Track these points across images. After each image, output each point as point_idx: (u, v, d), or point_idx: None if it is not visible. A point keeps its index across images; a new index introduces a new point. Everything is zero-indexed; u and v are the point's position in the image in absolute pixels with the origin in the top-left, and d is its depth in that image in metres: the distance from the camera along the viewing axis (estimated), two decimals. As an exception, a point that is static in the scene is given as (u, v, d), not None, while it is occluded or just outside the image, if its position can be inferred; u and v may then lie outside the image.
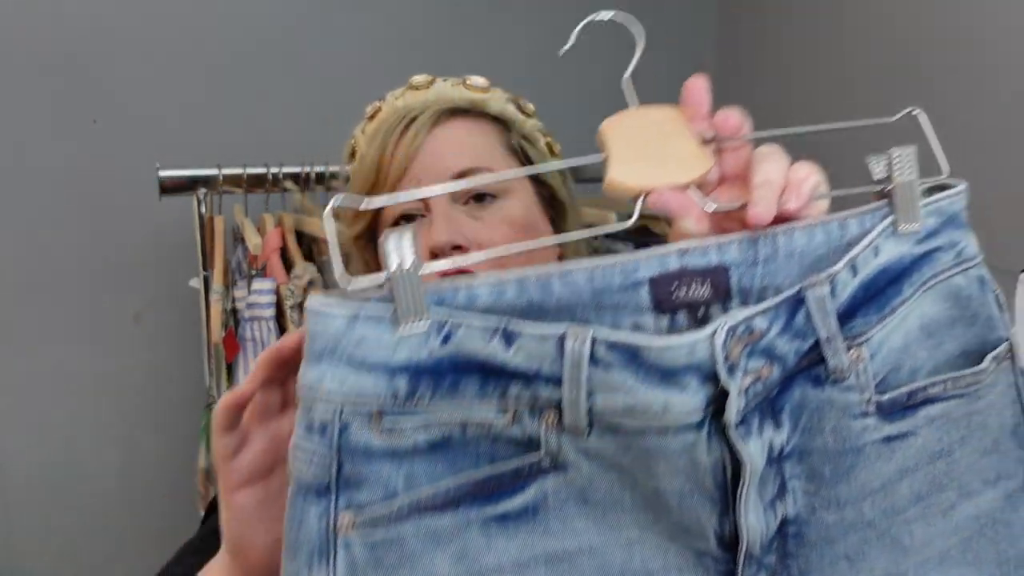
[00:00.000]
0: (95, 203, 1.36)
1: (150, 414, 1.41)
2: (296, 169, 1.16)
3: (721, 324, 0.42)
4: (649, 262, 0.44)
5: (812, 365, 0.46)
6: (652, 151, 0.47)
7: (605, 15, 0.53)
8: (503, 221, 0.75)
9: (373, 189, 0.77)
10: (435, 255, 0.70)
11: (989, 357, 0.50)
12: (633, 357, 0.42)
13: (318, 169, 1.16)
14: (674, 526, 0.46)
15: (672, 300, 0.45)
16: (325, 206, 0.43)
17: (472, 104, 0.80)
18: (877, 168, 0.49)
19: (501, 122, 0.81)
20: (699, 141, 0.48)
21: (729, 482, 0.45)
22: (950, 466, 0.49)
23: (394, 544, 0.44)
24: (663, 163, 0.47)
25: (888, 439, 0.48)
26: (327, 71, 1.43)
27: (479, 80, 0.81)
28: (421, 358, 0.43)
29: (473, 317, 0.43)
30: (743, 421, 0.44)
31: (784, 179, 0.47)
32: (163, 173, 1.12)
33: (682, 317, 0.45)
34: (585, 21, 0.52)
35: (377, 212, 0.77)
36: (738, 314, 0.43)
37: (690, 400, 0.43)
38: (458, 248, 0.71)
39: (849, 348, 0.46)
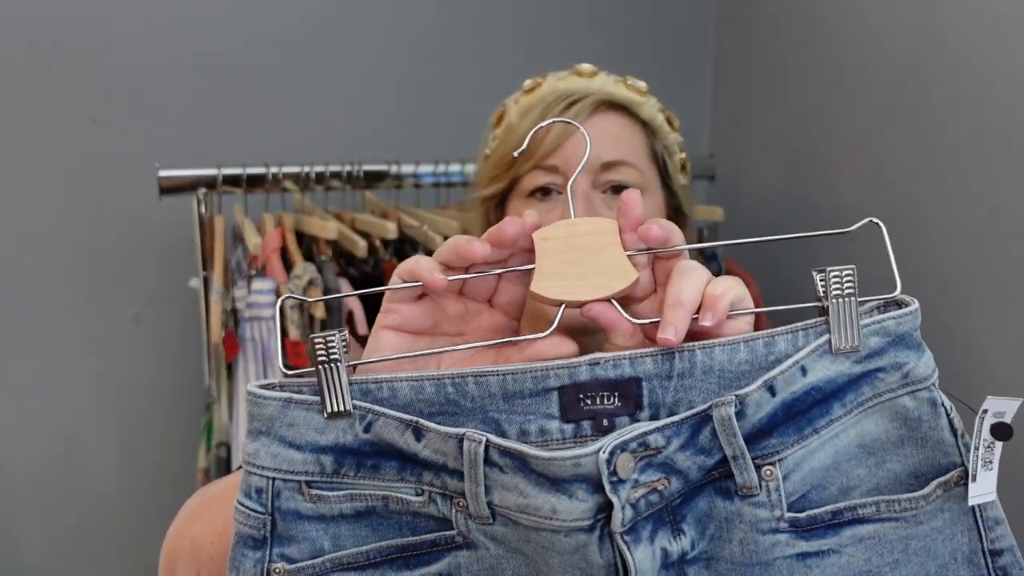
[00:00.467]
0: (95, 203, 1.36)
1: (150, 414, 1.41)
2: (296, 169, 1.16)
3: (608, 442, 0.44)
4: (560, 372, 0.47)
5: (722, 478, 0.48)
6: (579, 263, 0.49)
7: (552, 121, 0.57)
8: None
9: (519, 159, 0.80)
10: None
11: (935, 483, 0.49)
12: (523, 463, 0.46)
13: (318, 169, 1.16)
14: None
15: (579, 409, 0.47)
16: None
17: (629, 103, 0.83)
18: (818, 284, 0.48)
19: (649, 128, 0.84)
20: (629, 253, 0.49)
21: None
22: None
23: None
24: (587, 276, 0.48)
25: (803, 556, 0.48)
26: (327, 71, 1.43)
27: (640, 83, 0.85)
28: (347, 440, 0.48)
29: (391, 411, 0.48)
30: (632, 529, 0.46)
31: (698, 296, 0.47)
32: (163, 173, 1.12)
33: (587, 426, 0.47)
34: (536, 128, 0.56)
35: (514, 180, 0.82)
36: (631, 431, 0.45)
37: (578, 507, 0.45)
38: None
39: (760, 467, 0.47)
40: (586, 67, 0.85)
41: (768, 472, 0.47)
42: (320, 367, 0.48)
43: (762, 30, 1.40)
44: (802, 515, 0.48)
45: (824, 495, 0.49)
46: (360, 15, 1.44)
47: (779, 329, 0.47)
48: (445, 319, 0.52)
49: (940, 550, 0.50)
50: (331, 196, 1.21)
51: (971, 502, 0.49)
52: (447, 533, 0.49)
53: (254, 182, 1.15)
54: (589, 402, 0.47)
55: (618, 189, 0.78)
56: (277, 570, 0.49)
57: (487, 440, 0.46)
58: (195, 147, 1.22)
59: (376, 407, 0.48)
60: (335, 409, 0.48)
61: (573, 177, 0.54)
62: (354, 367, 0.49)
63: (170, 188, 1.12)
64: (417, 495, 0.49)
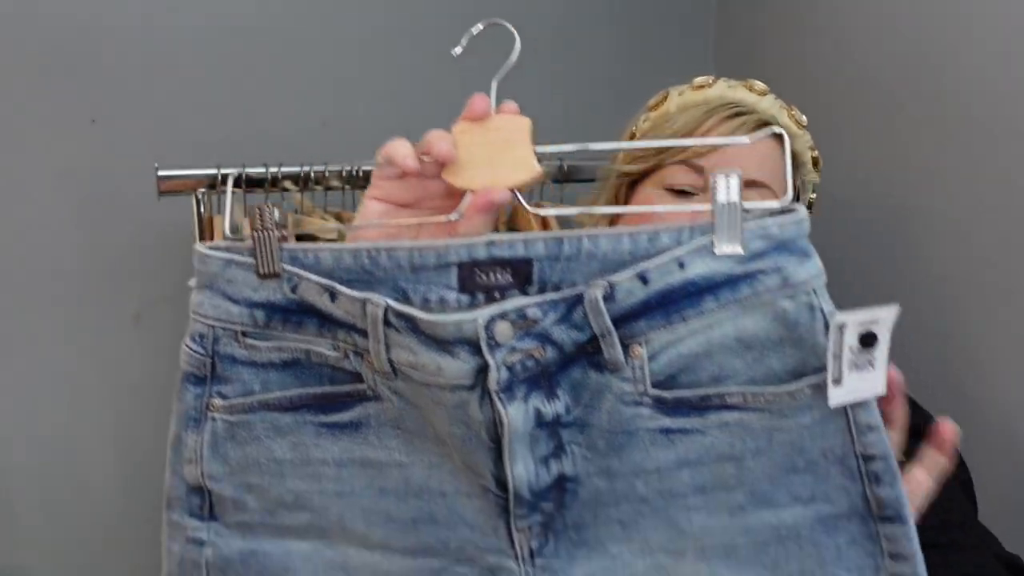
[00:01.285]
0: (95, 203, 1.36)
1: (150, 414, 1.40)
2: (296, 169, 1.16)
3: (487, 311, 0.51)
4: (460, 250, 0.53)
5: (595, 353, 0.53)
6: (490, 156, 0.56)
7: (482, 24, 0.62)
8: None
9: (670, 148, 0.81)
10: None
11: (804, 381, 0.52)
12: (415, 325, 0.52)
13: (318, 169, 1.16)
14: (463, 462, 0.55)
15: (475, 282, 0.53)
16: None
17: (788, 132, 0.82)
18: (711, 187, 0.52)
19: (796, 161, 0.86)
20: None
21: (501, 436, 0.53)
22: (741, 471, 0.53)
23: (246, 427, 0.58)
24: (495, 168, 0.56)
25: (667, 431, 0.53)
26: (327, 71, 1.43)
27: (802, 116, 0.85)
28: (276, 298, 0.56)
29: (312, 275, 0.55)
30: (508, 388, 0.52)
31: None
32: (162, 173, 1.12)
33: (481, 297, 0.53)
34: (468, 34, 0.62)
35: (654, 167, 0.83)
36: (511, 303, 0.51)
37: (460, 366, 0.52)
38: None
39: (628, 346, 0.52)
40: (759, 85, 0.86)
41: (635, 351, 0.53)
42: (255, 234, 0.55)
43: (762, 30, 1.40)
44: (669, 395, 0.53)
45: (694, 379, 0.53)
46: (361, 15, 1.44)
47: (665, 225, 0.52)
48: (427, 196, 0.60)
49: (809, 447, 0.53)
50: (331, 196, 1.21)
51: (832, 404, 0.51)
52: (359, 386, 0.56)
53: (254, 182, 1.15)
54: (484, 277, 0.53)
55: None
56: (214, 404, 0.58)
57: (386, 304, 0.53)
58: (195, 147, 1.22)
59: (301, 271, 0.55)
60: (266, 271, 0.56)
61: (496, 77, 0.60)
62: (286, 237, 0.56)
63: (170, 188, 1.12)
64: (334, 350, 0.56)
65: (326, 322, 0.56)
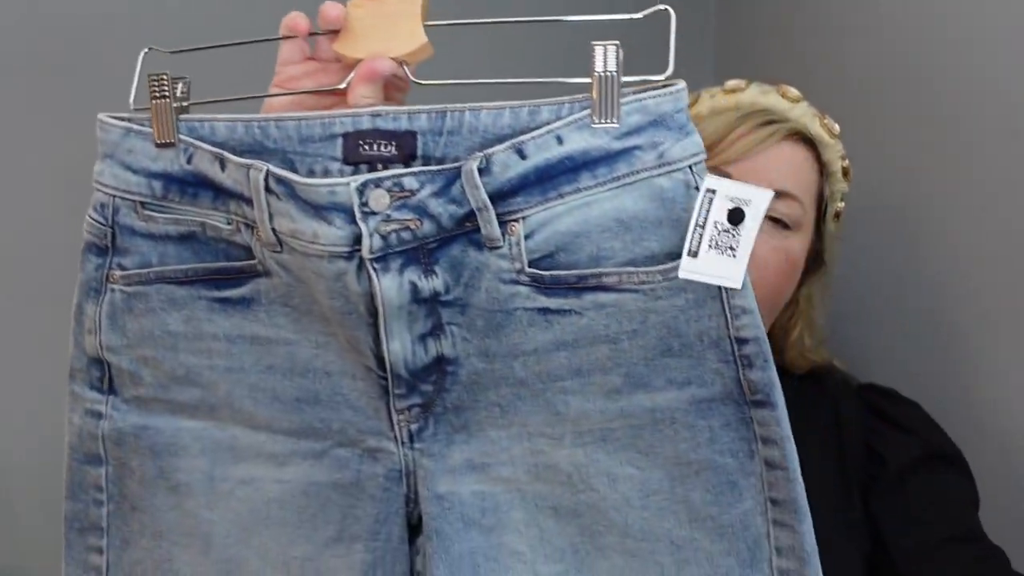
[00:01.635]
0: (95, 203, 1.36)
1: (150, 414, 1.41)
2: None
3: (361, 177, 0.51)
4: (344, 121, 0.53)
5: (474, 230, 0.52)
6: (379, 30, 0.57)
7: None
8: (784, 251, 0.80)
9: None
10: None
11: (675, 262, 0.51)
12: (293, 190, 0.52)
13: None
14: (347, 340, 0.55)
15: (359, 153, 0.53)
16: None
17: (819, 141, 0.84)
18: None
19: (826, 171, 0.85)
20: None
21: (377, 309, 0.53)
22: (617, 353, 0.53)
23: (142, 298, 0.59)
24: (384, 40, 0.56)
25: (544, 311, 0.53)
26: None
27: (835, 125, 0.85)
28: (173, 169, 0.56)
29: (203, 144, 0.55)
30: (383, 259, 0.52)
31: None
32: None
33: (364, 168, 0.53)
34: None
35: None
36: (388, 172, 0.51)
37: (335, 232, 0.52)
38: None
39: (505, 222, 0.52)
40: (792, 91, 0.85)
41: (512, 228, 0.52)
42: (153, 102, 0.56)
43: (762, 30, 1.40)
44: (546, 274, 0.52)
45: (572, 259, 0.52)
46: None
47: (545, 100, 0.52)
48: (329, 81, 0.60)
49: (685, 329, 0.53)
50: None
51: (682, 275, 0.50)
52: (251, 261, 0.57)
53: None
54: (368, 148, 0.53)
55: (778, 220, 0.79)
56: (113, 275, 0.60)
57: (266, 169, 0.53)
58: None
59: (195, 141, 0.56)
60: (162, 140, 0.56)
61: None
62: (185, 108, 0.57)
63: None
64: (227, 224, 0.57)
65: (219, 193, 0.57)
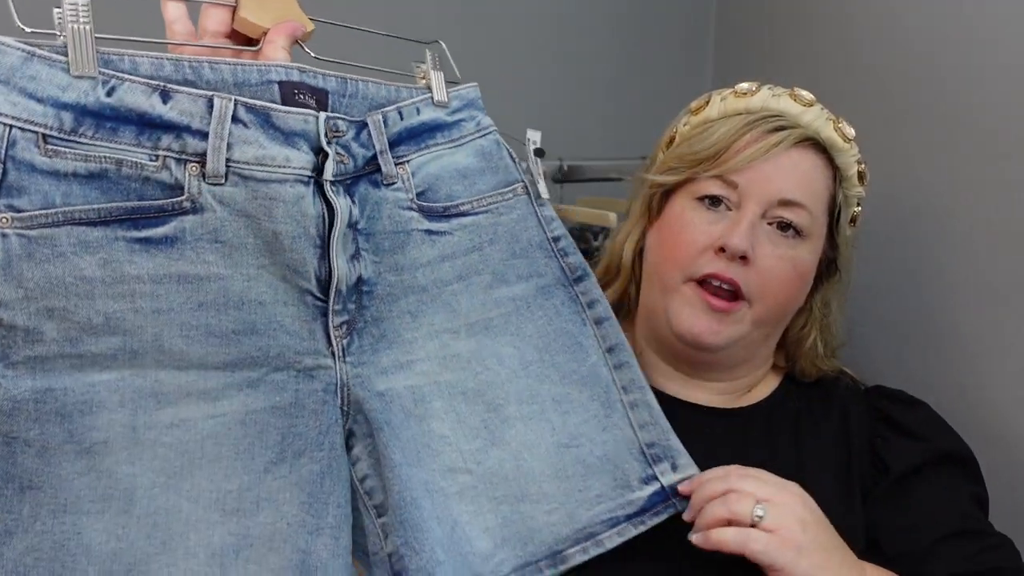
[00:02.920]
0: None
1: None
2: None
3: (326, 114, 0.62)
4: (279, 70, 0.61)
5: (373, 172, 0.66)
6: (273, 9, 0.64)
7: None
8: (790, 260, 0.79)
9: (709, 159, 0.80)
10: (722, 249, 0.76)
11: (507, 188, 0.73)
12: (266, 119, 0.59)
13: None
14: (285, 267, 0.60)
15: (294, 99, 0.61)
16: None
17: (832, 146, 0.82)
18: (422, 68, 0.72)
19: (839, 175, 0.83)
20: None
21: (326, 232, 0.62)
22: (484, 258, 0.70)
23: (48, 243, 0.53)
24: (283, 14, 0.65)
25: (430, 232, 0.68)
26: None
27: (850, 130, 0.83)
28: (88, 102, 0.54)
29: (138, 78, 0.55)
30: (336, 183, 0.62)
31: None
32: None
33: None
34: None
35: (687, 179, 0.82)
36: (334, 115, 0.62)
37: (304, 157, 0.60)
38: (743, 258, 0.77)
39: (397, 164, 0.67)
40: (805, 95, 0.83)
41: (403, 169, 0.67)
42: (71, 27, 0.53)
43: (762, 30, 1.40)
44: (426, 204, 0.68)
45: (437, 195, 0.69)
46: (360, 14, 1.44)
47: (403, 84, 0.69)
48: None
49: (521, 236, 0.73)
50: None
51: (540, 200, 0.74)
52: (176, 199, 0.56)
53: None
54: (300, 97, 0.61)
55: (784, 227, 0.78)
56: (5, 219, 0.52)
57: (235, 99, 0.57)
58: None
59: (122, 74, 0.55)
60: (81, 71, 0.53)
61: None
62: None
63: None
64: (152, 160, 0.56)
65: (147, 128, 0.55)
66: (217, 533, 0.58)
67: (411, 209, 0.67)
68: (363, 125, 0.65)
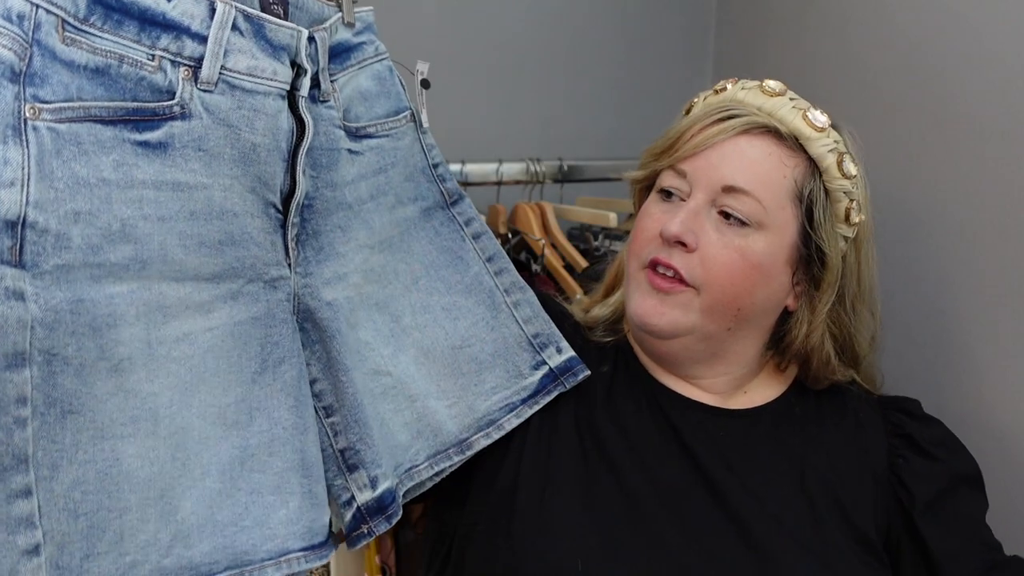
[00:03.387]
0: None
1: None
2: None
3: (307, 30, 0.64)
4: None
5: (314, 88, 0.67)
6: None
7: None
8: (737, 249, 0.77)
9: (665, 151, 0.83)
10: (662, 236, 0.78)
11: (399, 116, 0.76)
12: (259, 30, 0.61)
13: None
14: (256, 179, 0.63)
15: (270, 9, 0.63)
16: None
17: (796, 135, 0.79)
18: None
19: (812, 166, 0.79)
20: None
21: (293, 147, 0.65)
22: (388, 180, 0.75)
23: (73, 140, 0.53)
24: None
25: (351, 151, 0.72)
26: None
27: (820, 118, 0.80)
28: None
29: None
30: (304, 99, 0.65)
31: None
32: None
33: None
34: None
35: (652, 173, 0.85)
36: (309, 29, 0.65)
37: (286, 71, 0.63)
38: (682, 244, 0.77)
39: (332, 81, 0.69)
40: (772, 85, 0.82)
41: (334, 87, 0.70)
42: None
43: (762, 30, 1.40)
44: (347, 124, 0.71)
45: (352, 116, 0.72)
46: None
47: (325, 2, 0.69)
48: None
49: (412, 161, 0.78)
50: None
51: (423, 128, 0.79)
52: (167, 103, 0.57)
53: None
54: (272, 6, 0.63)
55: (731, 216, 0.77)
56: (36, 109, 0.52)
57: (235, 7, 0.59)
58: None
59: None
60: None
61: None
62: None
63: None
64: (149, 59, 0.56)
65: (149, 25, 0.56)
66: (223, 448, 0.61)
67: (339, 127, 0.70)
68: (311, 40, 0.66)
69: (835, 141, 0.80)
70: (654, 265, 0.79)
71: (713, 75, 1.54)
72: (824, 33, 1.23)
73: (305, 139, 0.65)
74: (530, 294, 0.82)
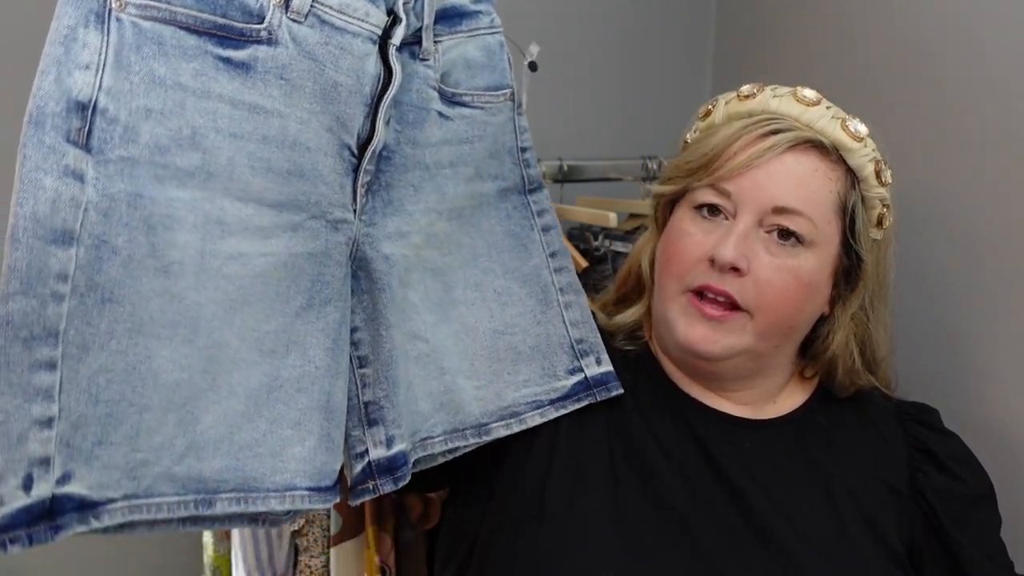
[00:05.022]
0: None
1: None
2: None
3: None
4: None
5: (415, 44, 0.69)
6: None
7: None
8: (791, 270, 0.75)
9: (703, 167, 0.79)
10: (712, 260, 0.74)
11: (499, 92, 0.77)
12: None
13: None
14: (334, 118, 0.63)
15: None
16: None
17: (838, 146, 0.78)
18: None
19: (851, 176, 0.79)
20: None
21: (377, 94, 0.65)
22: (471, 151, 0.75)
23: (155, 39, 0.54)
24: None
25: (441, 115, 0.72)
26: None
27: (860, 127, 0.79)
28: None
29: None
30: (398, 49, 0.65)
31: None
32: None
33: None
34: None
35: (684, 189, 0.81)
36: None
37: (379, 16, 0.64)
38: (736, 270, 0.74)
39: (435, 41, 0.70)
40: (809, 94, 0.79)
41: (437, 48, 0.70)
42: None
43: (762, 30, 1.40)
44: (443, 88, 0.72)
45: (451, 80, 0.72)
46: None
47: None
48: None
49: (501, 139, 0.78)
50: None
51: (520, 109, 0.79)
52: (255, 26, 0.58)
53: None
54: None
55: (786, 235, 0.75)
56: (119, 1, 0.53)
57: None
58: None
59: None
60: None
61: None
62: None
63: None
64: None
65: None
66: (255, 373, 0.61)
67: (433, 88, 0.70)
68: None
69: (872, 150, 0.80)
70: (701, 291, 0.76)
71: (713, 75, 1.54)
72: (824, 33, 1.23)
73: (391, 88, 0.65)
74: (583, 299, 0.81)
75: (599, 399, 0.79)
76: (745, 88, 0.81)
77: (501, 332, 0.77)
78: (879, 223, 0.81)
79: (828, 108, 0.79)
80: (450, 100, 0.72)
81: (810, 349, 0.84)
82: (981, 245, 0.96)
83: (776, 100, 0.79)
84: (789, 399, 0.85)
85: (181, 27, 0.55)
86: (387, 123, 0.67)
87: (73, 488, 0.52)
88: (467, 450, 0.76)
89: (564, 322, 0.80)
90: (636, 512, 0.73)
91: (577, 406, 0.78)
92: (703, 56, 1.55)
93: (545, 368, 0.78)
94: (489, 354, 0.76)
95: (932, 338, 1.01)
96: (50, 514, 0.52)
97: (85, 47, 0.52)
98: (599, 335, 0.81)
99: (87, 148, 0.52)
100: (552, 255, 0.80)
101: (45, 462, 0.51)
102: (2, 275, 0.50)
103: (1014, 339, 0.92)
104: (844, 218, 0.78)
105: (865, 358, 0.85)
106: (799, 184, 0.75)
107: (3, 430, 0.50)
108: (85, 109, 0.52)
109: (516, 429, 0.77)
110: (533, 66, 0.82)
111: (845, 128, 0.78)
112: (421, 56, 0.69)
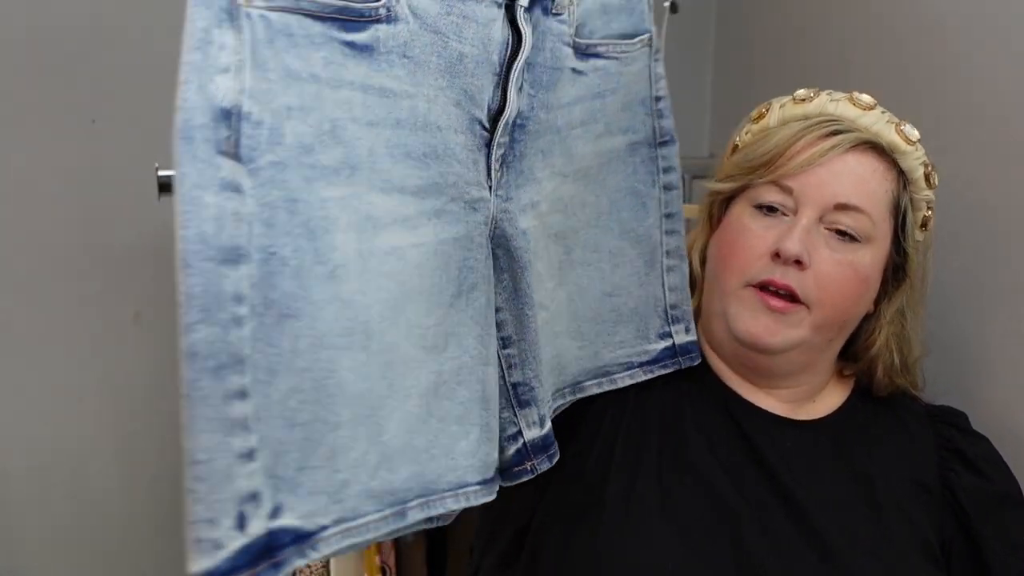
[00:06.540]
0: (94, 203, 1.36)
1: (150, 414, 1.40)
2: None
3: None
4: None
5: None
6: None
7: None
8: (850, 265, 0.78)
9: (764, 165, 0.80)
10: (776, 254, 0.76)
11: (637, 39, 0.73)
12: None
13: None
14: (462, 92, 0.59)
15: None
16: None
17: (894, 149, 0.81)
18: None
19: (904, 179, 0.82)
20: None
21: (506, 61, 0.61)
22: (603, 106, 0.71)
23: (285, 31, 0.51)
24: None
25: (575, 70, 0.67)
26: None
27: (914, 132, 0.82)
28: None
29: None
30: (527, 10, 0.61)
31: None
32: (163, 173, 1.12)
33: None
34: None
35: (743, 186, 0.82)
36: None
37: None
38: (798, 263, 0.76)
39: None
40: (865, 99, 0.83)
41: (571, 0, 0.65)
42: None
43: (762, 30, 1.40)
44: (578, 40, 0.67)
45: (585, 31, 0.68)
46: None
47: None
48: None
49: (634, 89, 0.73)
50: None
51: (657, 55, 0.74)
52: (373, 4, 0.54)
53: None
54: None
55: (843, 232, 0.77)
56: None
57: None
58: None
59: None
60: None
61: None
62: None
63: (170, 188, 1.12)
64: None
65: None
66: (423, 372, 0.58)
67: (568, 45, 0.66)
68: None
69: (923, 154, 0.83)
70: (763, 285, 0.78)
71: (713, 75, 1.54)
72: (823, 34, 1.23)
73: (521, 53, 0.61)
74: (685, 266, 0.80)
75: (683, 366, 0.80)
76: (800, 92, 0.85)
77: (609, 294, 0.75)
78: (924, 225, 0.84)
79: (883, 112, 0.83)
80: (584, 52, 0.68)
81: (851, 347, 0.86)
82: (984, 245, 0.96)
83: (833, 104, 0.82)
84: (828, 399, 0.86)
85: (306, 15, 0.51)
86: (519, 90, 0.62)
87: (286, 520, 0.50)
88: (564, 408, 0.76)
89: (664, 286, 0.79)
90: (686, 505, 0.74)
91: (664, 371, 0.80)
92: (703, 56, 1.55)
93: (640, 330, 0.78)
94: (595, 315, 0.75)
95: (932, 337, 1.02)
96: (268, 551, 0.49)
97: (222, 49, 0.49)
98: (691, 305, 0.81)
99: (237, 157, 0.49)
100: (668, 216, 0.78)
101: (254, 497, 0.49)
102: (180, 306, 0.48)
103: (1016, 339, 0.92)
104: (896, 217, 0.81)
105: (902, 358, 0.86)
106: (860, 182, 0.78)
107: (209, 470, 0.48)
108: (230, 116, 0.49)
109: (607, 387, 0.77)
110: (674, 7, 0.78)
111: (900, 132, 0.81)
112: (554, 11, 0.64)
